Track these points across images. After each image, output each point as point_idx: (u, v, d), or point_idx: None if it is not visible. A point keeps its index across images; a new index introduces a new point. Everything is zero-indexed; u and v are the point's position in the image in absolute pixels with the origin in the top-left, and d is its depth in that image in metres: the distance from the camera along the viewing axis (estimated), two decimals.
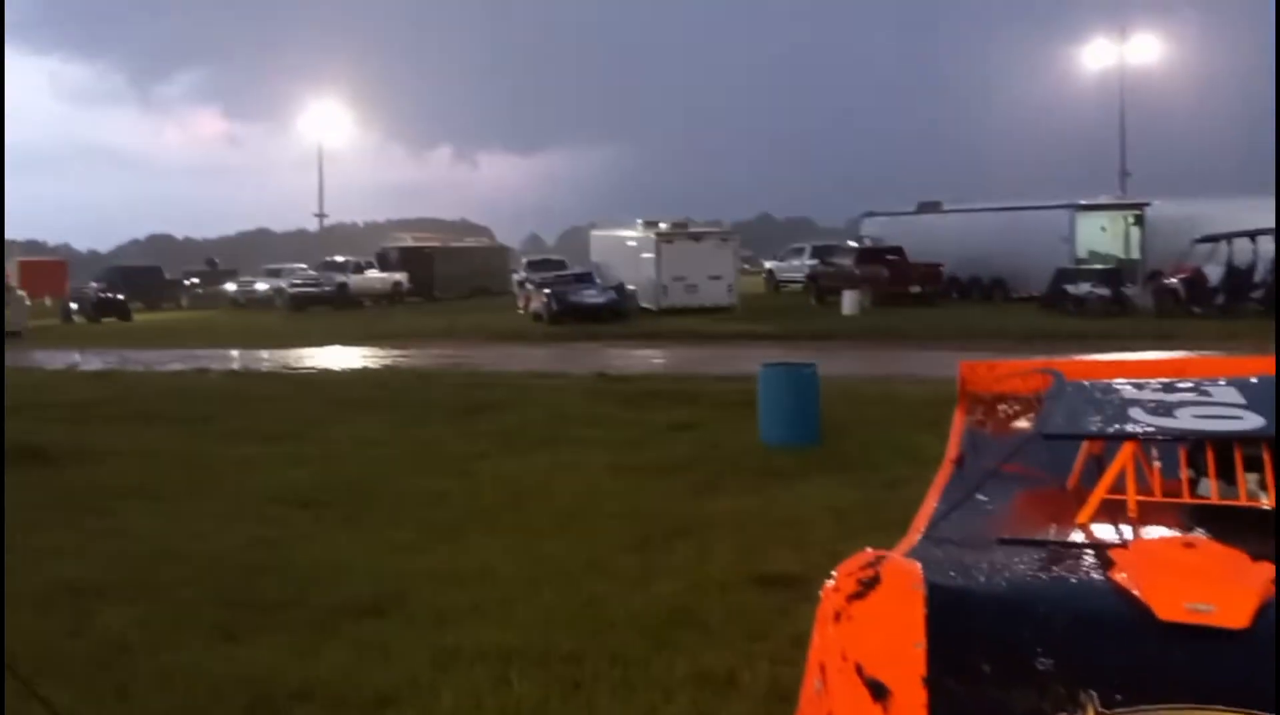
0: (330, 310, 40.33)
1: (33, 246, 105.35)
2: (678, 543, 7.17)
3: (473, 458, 10.46)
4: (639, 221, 36.70)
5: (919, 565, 3.63)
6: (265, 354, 24.03)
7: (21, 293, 33.53)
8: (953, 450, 5.85)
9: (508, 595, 6.13)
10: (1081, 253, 32.79)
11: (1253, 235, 25.37)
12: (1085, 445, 4.73)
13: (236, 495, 9.02)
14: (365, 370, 20.11)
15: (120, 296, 39.81)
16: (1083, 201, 34.27)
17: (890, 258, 34.12)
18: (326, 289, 42.76)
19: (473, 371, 18.73)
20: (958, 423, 6.25)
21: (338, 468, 10.13)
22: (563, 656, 5.19)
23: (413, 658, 5.18)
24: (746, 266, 49.41)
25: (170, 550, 7.22)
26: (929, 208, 38.95)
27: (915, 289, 32.36)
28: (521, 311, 34.89)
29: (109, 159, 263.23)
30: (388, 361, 21.69)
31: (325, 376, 19.18)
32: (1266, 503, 4.34)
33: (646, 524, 7.69)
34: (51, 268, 54.45)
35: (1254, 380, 5.13)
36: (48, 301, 42.72)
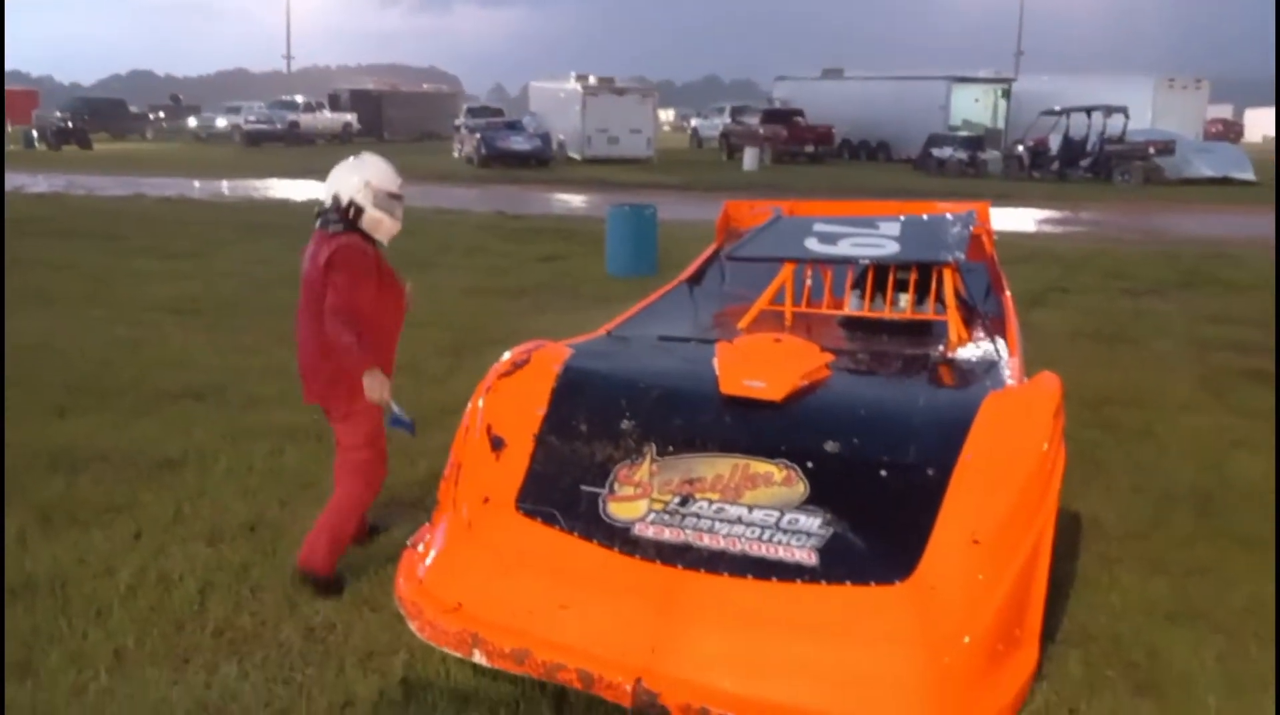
0: (283, 147, 39.27)
1: (14, 77, 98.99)
2: (488, 350, 7.43)
3: None
4: (572, 75, 35.82)
5: (570, 352, 3.96)
6: (197, 183, 23.41)
7: None
8: (689, 270, 6.16)
9: None
10: (956, 121, 32.91)
11: (1088, 110, 25.51)
12: (785, 268, 5.04)
13: (124, 304, 9.10)
14: (285, 201, 19.72)
15: (81, 126, 38.21)
16: (958, 74, 34.21)
17: (791, 119, 33.84)
18: (279, 127, 41.58)
19: None
20: (707, 250, 6.55)
21: (222, 283, 10.19)
22: None
23: (209, 432, 5.48)
24: (684, 124, 48.33)
25: (45, 346, 7.38)
26: (832, 74, 38.59)
27: (810, 149, 32.23)
28: (457, 155, 34.28)
29: None
30: (312, 194, 21.30)
31: (248, 204, 18.84)
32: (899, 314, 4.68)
33: (473, 336, 7.98)
34: (20, 97, 51.86)
35: (925, 218, 5.46)
36: (10, 129, 40.91)
